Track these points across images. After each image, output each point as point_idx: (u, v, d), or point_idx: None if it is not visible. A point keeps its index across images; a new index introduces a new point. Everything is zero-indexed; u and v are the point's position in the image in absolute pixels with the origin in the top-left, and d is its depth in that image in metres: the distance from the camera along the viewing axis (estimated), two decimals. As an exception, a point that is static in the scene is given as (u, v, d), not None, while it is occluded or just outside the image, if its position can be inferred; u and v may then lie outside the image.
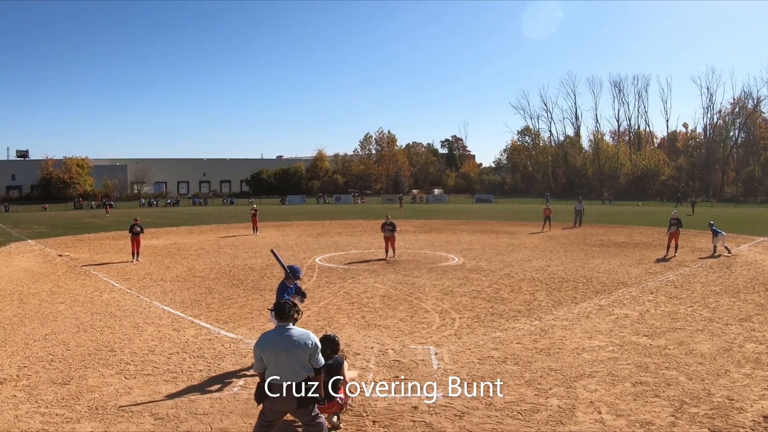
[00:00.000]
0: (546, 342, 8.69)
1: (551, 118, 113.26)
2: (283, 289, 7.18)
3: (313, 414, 4.68)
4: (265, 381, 4.57)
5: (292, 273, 7.27)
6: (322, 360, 4.72)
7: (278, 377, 4.53)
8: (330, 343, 5.83)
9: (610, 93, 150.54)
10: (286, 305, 4.68)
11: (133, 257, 18.18)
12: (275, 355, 4.53)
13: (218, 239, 25.06)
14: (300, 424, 5.06)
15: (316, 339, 4.70)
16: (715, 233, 18.80)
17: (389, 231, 18.21)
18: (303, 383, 4.55)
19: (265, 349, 4.57)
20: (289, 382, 4.52)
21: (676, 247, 18.90)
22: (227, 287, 13.57)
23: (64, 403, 6.28)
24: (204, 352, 8.27)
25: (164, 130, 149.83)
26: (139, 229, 18.49)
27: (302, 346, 4.55)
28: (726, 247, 18.88)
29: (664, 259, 17.78)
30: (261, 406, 4.71)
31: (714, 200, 68.87)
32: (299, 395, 4.53)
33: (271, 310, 4.96)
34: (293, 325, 4.68)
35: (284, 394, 4.53)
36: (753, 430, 5.53)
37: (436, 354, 8.07)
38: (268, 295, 12.56)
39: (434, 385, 6.79)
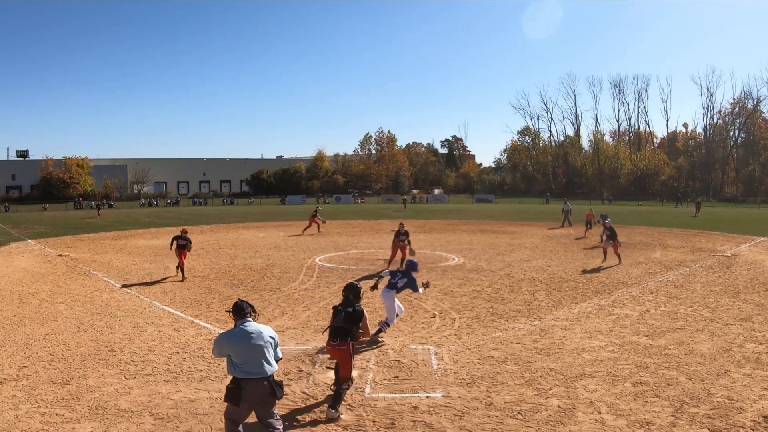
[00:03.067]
0: (546, 342, 8.70)
1: (551, 118, 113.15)
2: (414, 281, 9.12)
3: (274, 411, 4.99)
4: (234, 379, 4.86)
5: (412, 267, 9.33)
6: (280, 353, 5.15)
7: (252, 370, 4.82)
8: (353, 290, 6.40)
9: (610, 93, 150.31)
10: (244, 304, 5.06)
11: (178, 270, 15.16)
12: (247, 349, 4.84)
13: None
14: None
15: (275, 333, 5.10)
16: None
17: (402, 240, 16.36)
18: (272, 377, 4.90)
19: (235, 343, 4.88)
20: (260, 376, 4.83)
21: (618, 256, 16.74)
22: (227, 287, 13.57)
23: (64, 403, 6.28)
24: (204, 352, 8.27)
25: (164, 130, 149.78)
26: (184, 242, 15.09)
27: (267, 340, 4.94)
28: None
29: (600, 268, 15.92)
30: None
31: (714, 200, 68.84)
32: (270, 388, 4.87)
33: (228, 311, 5.25)
34: (252, 320, 5.02)
35: (257, 387, 4.82)
36: (753, 430, 5.53)
37: (436, 354, 8.07)
38: (268, 295, 12.57)
39: (434, 385, 6.80)
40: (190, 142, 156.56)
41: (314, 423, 5.79)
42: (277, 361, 5.01)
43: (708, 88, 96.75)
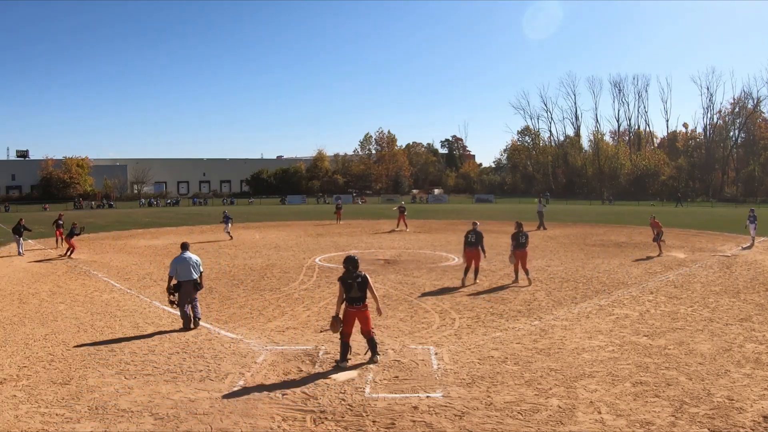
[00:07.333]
0: (546, 342, 8.69)
1: (551, 118, 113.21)
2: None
3: (196, 298, 9.80)
4: (177, 282, 9.57)
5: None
6: (201, 268, 9.90)
7: (186, 276, 9.60)
8: (351, 261, 7.73)
9: (610, 93, 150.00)
10: (186, 244, 9.99)
11: (67, 253, 19.17)
12: (185, 266, 9.65)
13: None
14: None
15: (198, 259, 9.91)
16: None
17: (472, 244, 13.42)
18: (197, 279, 9.74)
19: (180, 263, 9.64)
20: (190, 279, 9.61)
21: (526, 272, 13.53)
22: (227, 287, 13.57)
23: (64, 403, 6.28)
24: (204, 352, 8.27)
25: (164, 130, 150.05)
26: (62, 222, 20.43)
27: (196, 261, 9.83)
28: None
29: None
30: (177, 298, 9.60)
31: (714, 200, 68.82)
32: (194, 285, 9.68)
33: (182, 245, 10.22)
34: (189, 252, 9.87)
35: (188, 285, 9.59)
36: (753, 430, 5.53)
37: (436, 354, 8.07)
38: (268, 294, 12.57)
39: (434, 385, 6.80)
40: (190, 142, 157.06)
41: (315, 422, 5.79)
42: (200, 274, 9.83)
43: (708, 88, 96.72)
